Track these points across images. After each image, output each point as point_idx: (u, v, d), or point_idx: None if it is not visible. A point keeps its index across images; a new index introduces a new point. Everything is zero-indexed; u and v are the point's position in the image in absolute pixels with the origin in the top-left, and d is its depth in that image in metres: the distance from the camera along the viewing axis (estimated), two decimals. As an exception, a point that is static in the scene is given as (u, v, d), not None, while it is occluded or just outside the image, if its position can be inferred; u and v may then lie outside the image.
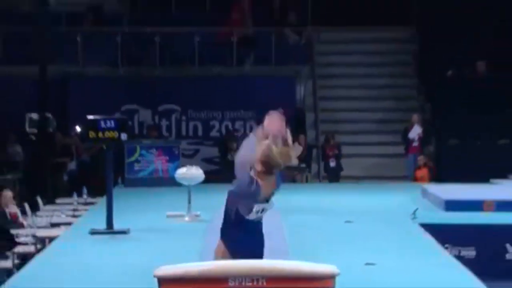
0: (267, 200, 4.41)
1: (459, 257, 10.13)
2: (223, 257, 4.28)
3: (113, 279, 7.94)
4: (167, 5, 17.12)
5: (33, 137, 15.03)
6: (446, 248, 10.27)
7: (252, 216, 4.33)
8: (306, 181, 15.04)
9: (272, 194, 4.47)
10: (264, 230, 5.36)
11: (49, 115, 14.95)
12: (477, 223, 11.32)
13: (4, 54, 16.41)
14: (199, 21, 16.06)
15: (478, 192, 13.25)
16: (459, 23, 16.20)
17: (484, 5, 16.75)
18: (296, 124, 14.73)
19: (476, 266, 9.12)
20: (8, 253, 10.80)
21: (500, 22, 16.83)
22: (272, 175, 4.37)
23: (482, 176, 14.51)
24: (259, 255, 4.31)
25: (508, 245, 11.08)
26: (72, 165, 15.65)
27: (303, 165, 14.04)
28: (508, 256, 11.07)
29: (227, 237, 4.37)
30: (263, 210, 4.36)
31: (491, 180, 14.59)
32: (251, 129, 15.33)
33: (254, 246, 4.34)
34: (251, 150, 4.35)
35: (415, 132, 14.62)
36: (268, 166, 4.31)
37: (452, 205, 12.17)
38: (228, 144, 15.03)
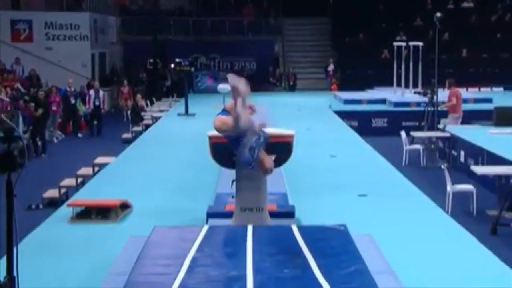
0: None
1: (350, 125, 16.89)
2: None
3: (188, 137, 13.51)
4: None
5: (150, 67, 26.52)
6: (344, 121, 17.17)
7: None
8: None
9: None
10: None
11: (157, 60, 26.03)
12: (359, 110, 19.57)
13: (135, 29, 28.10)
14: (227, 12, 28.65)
15: (360, 95, 21.98)
16: (362, 15, 27.31)
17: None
18: (274, 64, 27.89)
19: (358, 130, 15.55)
20: (140, 123, 18.44)
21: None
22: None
23: (364, 87, 24.13)
24: None
25: (372, 119, 18.82)
26: (168, 83, 27.20)
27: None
28: (373, 125, 18.79)
29: None
30: None
31: (367, 90, 23.90)
32: (253, 65, 28.35)
33: None
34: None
35: (330, 67, 27.55)
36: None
37: (347, 101, 21.12)
38: (242, 72, 28.21)
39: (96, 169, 11.45)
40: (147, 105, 20.82)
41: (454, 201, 9.57)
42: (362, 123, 18.44)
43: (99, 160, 12.02)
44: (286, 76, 27.77)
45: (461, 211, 9.59)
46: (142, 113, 18.92)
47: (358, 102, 20.65)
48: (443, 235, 6.57)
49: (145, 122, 18.25)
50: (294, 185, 8.86)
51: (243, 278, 4.74)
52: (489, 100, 19.83)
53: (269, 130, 7.12)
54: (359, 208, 7.23)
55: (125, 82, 23.70)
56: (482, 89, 24.64)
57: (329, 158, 11.15)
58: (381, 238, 5.34)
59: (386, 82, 22.93)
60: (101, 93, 19.75)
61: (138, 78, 26.40)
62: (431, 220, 7.12)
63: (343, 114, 18.39)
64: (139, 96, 20.18)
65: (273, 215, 6.68)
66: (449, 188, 9.64)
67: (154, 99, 23.21)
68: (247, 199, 6.56)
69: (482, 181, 10.87)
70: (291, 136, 6.73)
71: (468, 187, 9.85)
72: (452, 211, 9.32)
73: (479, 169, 10.36)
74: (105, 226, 6.92)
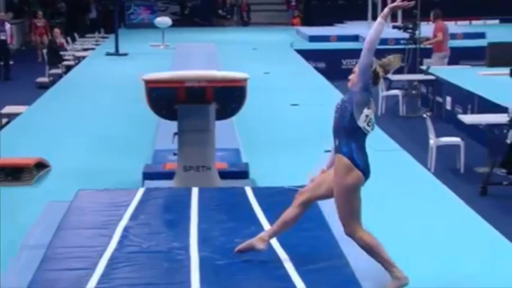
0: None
1: (316, 68, 16.92)
2: (348, 172, 4.38)
3: (118, 83, 13.42)
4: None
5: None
6: (309, 63, 17.42)
7: (361, 123, 4.42)
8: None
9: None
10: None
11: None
12: (326, 48, 19.61)
13: None
14: None
15: (328, 30, 22.16)
16: None
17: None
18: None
19: (325, 73, 15.40)
20: (59, 65, 17.76)
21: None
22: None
23: (333, 21, 24.53)
24: (369, 165, 4.50)
25: (342, 60, 18.68)
26: (92, 14, 26.95)
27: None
28: (343, 66, 18.36)
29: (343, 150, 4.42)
30: (370, 121, 4.45)
31: (336, 24, 24.42)
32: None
33: (365, 158, 4.49)
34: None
35: None
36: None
37: (313, 38, 21.14)
38: (184, 2, 27.94)
39: (4, 120, 11.33)
40: (67, 42, 20.69)
41: (438, 156, 9.77)
42: (330, 65, 18.61)
43: (8, 109, 11.86)
44: (238, 7, 27.63)
45: (446, 168, 9.80)
46: (62, 52, 18.65)
47: (326, 39, 20.83)
48: (424, 196, 6.73)
49: (65, 63, 18.11)
50: (248, 139, 8.91)
51: (186, 250, 4.81)
52: (481, 35, 20.13)
53: (218, 73, 7.24)
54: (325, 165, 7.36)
55: (40, 13, 23.30)
56: (473, 22, 24.96)
57: (290, 108, 11.21)
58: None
59: (359, 15, 23.03)
60: (7, 25, 19.28)
61: (56, 8, 26.10)
62: (410, 178, 7.28)
63: (307, 54, 18.47)
64: (57, 31, 19.77)
65: (223, 175, 6.74)
66: (432, 141, 9.84)
67: (76, 35, 23.13)
68: (191, 156, 6.61)
69: (471, 132, 11.10)
70: (244, 80, 6.78)
71: (454, 139, 10.06)
72: (436, 168, 9.54)
73: (468, 118, 10.57)
74: (17, 189, 6.89)
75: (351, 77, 4.58)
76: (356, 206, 4.52)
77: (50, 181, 7.28)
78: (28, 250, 5.05)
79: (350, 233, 4.55)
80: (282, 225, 4.75)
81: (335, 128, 4.59)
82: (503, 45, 14.49)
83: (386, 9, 4.66)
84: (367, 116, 4.51)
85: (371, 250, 4.50)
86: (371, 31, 4.49)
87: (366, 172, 4.54)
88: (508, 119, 9.17)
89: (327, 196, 4.70)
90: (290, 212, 4.76)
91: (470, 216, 6.18)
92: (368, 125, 4.53)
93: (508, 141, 9.22)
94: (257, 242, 4.72)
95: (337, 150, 4.55)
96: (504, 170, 9.33)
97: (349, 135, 4.51)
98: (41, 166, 7.48)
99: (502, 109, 10.07)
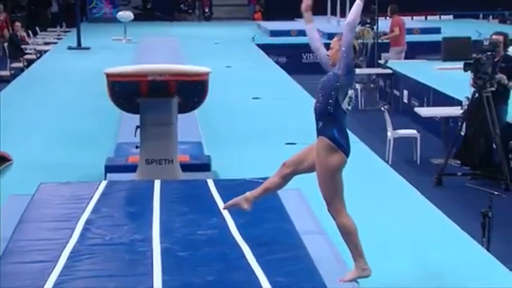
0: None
1: (277, 62, 17.32)
2: (331, 153, 4.39)
3: (80, 77, 13.23)
4: None
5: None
6: (270, 57, 17.51)
7: (345, 105, 4.42)
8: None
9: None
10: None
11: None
12: (287, 43, 19.54)
13: None
14: None
15: (288, 25, 21.41)
16: None
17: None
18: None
19: (286, 68, 15.49)
20: (21, 59, 17.65)
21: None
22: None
23: (293, 16, 22.85)
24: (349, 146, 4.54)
25: (302, 54, 18.61)
26: (54, 8, 26.73)
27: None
28: (303, 60, 18.64)
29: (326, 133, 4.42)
30: (351, 101, 4.48)
31: (297, 19, 23.14)
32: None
33: (346, 138, 4.51)
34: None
35: None
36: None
37: (274, 33, 21.15)
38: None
39: (-35, 114, 11.11)
40: (29, 36, 20.46)
41: (395, 148, 9.87)
42: (291, 59, 18.62)
43: (-31, 103, 11.62)
44: (200, 2, 27.51)
45: (403, 159, 9.92)
46: (23, 46, 18.50)
47: (287, 33, 20.72)
48: (381, 187, 6.79)
49: (27, 57, 17.94)
50: (210, 132, 8.91)
51: (149, 241, 4.79)
52: (437, 30, 20.34)
53: (180, 67, 7.13)
54: (286, 158, 7.36)
55: (0, 7, 22.87)
56: (429, 17, 25.21)
57: (251, 101, 11.22)
58: (311, 192, 5.46)
59: (319, 9, 22.86)
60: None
61: (16, 2, 25.88)
62: (367, 170, 7.32)
63: (268, 48, 18.51)
64: (18, 24, 19.60)
65: (186, 167, 6.72)
66: (389, 133, 9.92)
67: (37, 28, 22.84)
68: (154, 150, 6.58)
69: (427, 125, 11.25)
70: (206, 74, 6.75)
71: (411, 132, 10.16)
72: (393, 159, 9.65)
73: (424, 111, 10.70)
74: (-22, 184, 6.79)
75: (330, 53, 4.59)
76: (339, 187, 4.54)
77: (11, 175, 7.19)
78: (-11, 244, 4.97)
79: (333, 213, 4.56)
80: (265, 190, 4.84)
81: (317, 111, 4.57)
82: (457, 40, 14.65)
83: None
84: (350, 97, 4.53)
85: (347, 235, 4.51)
86: (350, 12, 4.47)
87: (348, 153, 4.56)
88: (462, 111, 9.29)
89: (309, 171, 4.73)
90: (273, 180, 4.83)
91: (425, 206, 6.25)
92: (349, 105, 4.55)
93: (462, 133, 9.35)
94: (242, 201, 4.80)
95: (320, 132, 4.55)
96: (458, 162, 9.47)
97: (332, 118, 4.50)
98: (2, 159, 7.38)
99: (456, 102, 10.21)
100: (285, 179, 4.79)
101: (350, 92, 4.53)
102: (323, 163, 4.52)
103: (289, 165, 4.78)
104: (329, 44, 4.62)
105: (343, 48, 4.45)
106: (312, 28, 4.72)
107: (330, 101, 4.48)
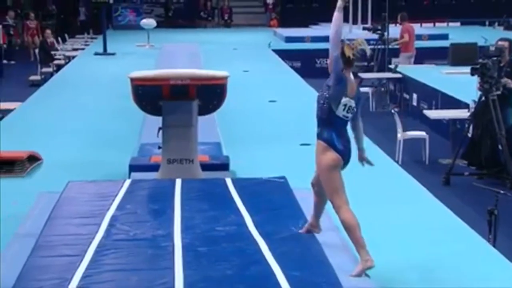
0: (352, 98, 4.48)
1: (292, 66, 17.03)
2: (325, 153, 4.47)
3: (106, 81, 13.38)
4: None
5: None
6: (286, 62, 17.30)
7: (340, 113, 4.45)
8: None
9: (356, 98, 4.53)
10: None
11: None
12: (301, 48, 19.75)
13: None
14: None
15: (303, 31, 22.64)
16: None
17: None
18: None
19: (301, 72, 15.53)
20: (50, 64, 17.74)
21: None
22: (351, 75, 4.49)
23: (308, 23, 24.81)
24: (348, 150, 4.58)
25: (316, 59, 18.64)
26: (82, 17, 27.31)
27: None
28: (317, 65, 18.47)
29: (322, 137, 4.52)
30: (349, 108, 4.47)
31: (311, 26, 24.49)
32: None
33: (344, 143, 4.53)
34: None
35: (270, 0, 27.65)
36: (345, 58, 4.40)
37: (289, 39, 21.17)
38: (168, 5, 27.84)
39: (-2, 116, 11.19)
40: (58, 42, 20.61)
41: (405, 149, 9.80)
42: (305, 64, 18.58)
43: (1, 105, 11.65)
44: (220, 10, 27.54)
45: (412, 160, 9.85)
46: (53, 52, 18.58)
47: (301, 39, 20.79)
48: (392, 186, 6.75)
49: (56, 62, 17.98)
50: (229, 133, 8.88)
51: (170, 237, 4.79)
52: (445, 37, 20.21)
53: (200, 72, 7.16)
54: (301, 158, 7.26)
55: (32, 15, 23.17)
56: (437, 24, 25.06)
57: (268, 104, 11.19)
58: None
59: (332, 17, 22.95)
60: (-3, 26, 19.16)
61: (47, 11, 25.98)
62: (379, 170, 7.23)
63: (284, 54, 18.48)
64: (48, 31, 19.71)
65: (205, 167, 6.72)
66: (399, 135, 9.87)
67: (66, 35, 23.06)
68: (175, 150, 6.58)
69: (435, 126, 11.16)
70: (225, 78, 6.76)
71: (420, 133, 10.10)
72: (403, 160, 9.59)
73: (433, 113, 10.63)
74: (10, 181, 6.82)
75: (328, 61, 4.68)
76: (336, 185, 4.57)
77: (41, 173, 7.21)
78: (21, 238, 5.00)
79: (335, 209, 4.62)
80: (315, 213, 4.96)
81: (316, 118, 4.67)
82: (464, 46, 14.61)
83: (339, 1, 4.72)
84: (345, 105, 4.54)
85: (349, 229, 4.55)
86: (331, 27, 4.57)
87: (344, 156, 4.58)
88: (469, 114, 9.23)
89: None
90: (314, 201, 4.94)
91: (434, 204, 6.21)
92: (348, 112, 4.57)
93: (469, 135, 9.29)
94: (311, 228, 4.94)
95: (318, 136, 4.64)
96: (465, 162, 9.41)
97: (329, 124, 4.58)
98: (33, 159, 7.42)
99: (463, 105, 10.15)
100: (318, 194, 4.86)
101: (345, 100, 4.54)
102: (319, 162, 4.62)
103: (313, 183, 4.87)
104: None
105: (331, 62, 4.54)
106: (341, 18, 4.71)
107: (324, 109, 4.57)
